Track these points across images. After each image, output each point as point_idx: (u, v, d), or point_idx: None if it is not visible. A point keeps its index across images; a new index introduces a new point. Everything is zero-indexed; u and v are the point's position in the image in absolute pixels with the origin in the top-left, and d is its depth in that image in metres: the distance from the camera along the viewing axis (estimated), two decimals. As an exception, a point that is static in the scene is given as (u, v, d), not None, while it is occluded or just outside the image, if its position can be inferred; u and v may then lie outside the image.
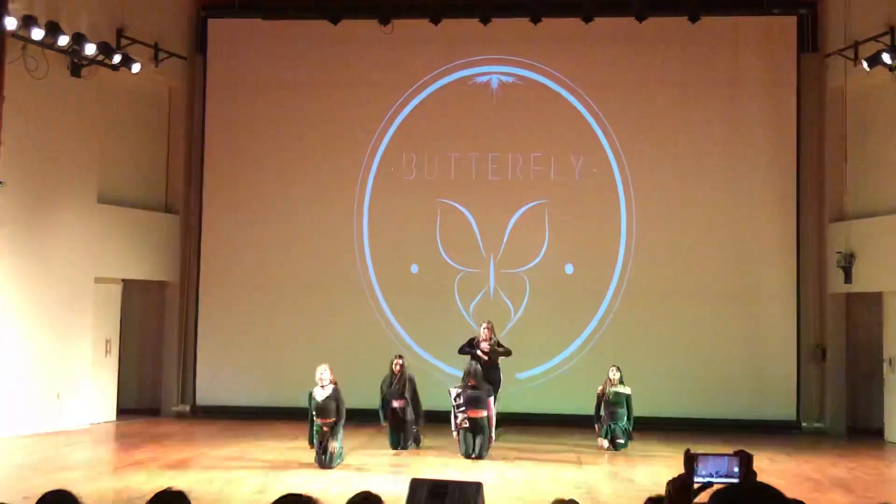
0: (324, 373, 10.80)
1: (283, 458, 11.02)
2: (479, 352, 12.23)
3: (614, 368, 12.31)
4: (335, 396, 10.76)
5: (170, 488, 3.76)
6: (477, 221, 14.91)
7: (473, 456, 11.22)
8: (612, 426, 12.05)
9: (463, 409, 11.40)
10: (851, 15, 13.94)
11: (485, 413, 11.44)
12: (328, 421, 10.65)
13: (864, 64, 13.08)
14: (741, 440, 11.64)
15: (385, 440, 11.93)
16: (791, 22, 14.68)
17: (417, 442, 12.03)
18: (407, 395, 11.85)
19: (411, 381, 12.00)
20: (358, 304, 14.89)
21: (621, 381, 12.25)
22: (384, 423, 11.91)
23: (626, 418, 12.12)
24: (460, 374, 12.16)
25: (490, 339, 12.37)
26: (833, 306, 14.33)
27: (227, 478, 9.82)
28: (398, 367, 11.97)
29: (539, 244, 14.80)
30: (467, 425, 11.34)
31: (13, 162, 12.56)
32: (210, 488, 9.30)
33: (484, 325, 12.55)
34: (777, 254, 14.50)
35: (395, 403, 11.85)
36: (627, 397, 12.17)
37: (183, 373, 15.15)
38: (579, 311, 14.61)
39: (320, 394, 10.77)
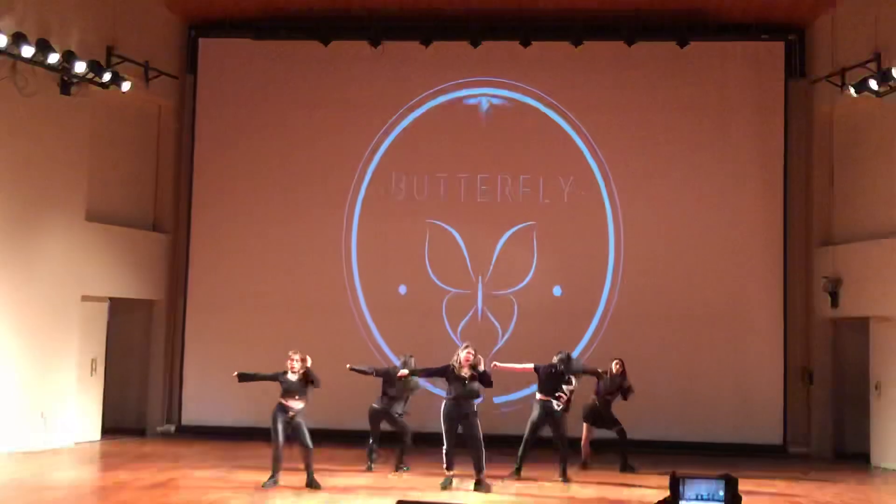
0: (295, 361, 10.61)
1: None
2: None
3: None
4: (308, 378, 10.56)
5: None
6: (465, 243, 14.94)
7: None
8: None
9: None
10: (838, 41, 14.08)
11: None
12: (297, 403, 10.46)
13: (851, 90, 13.18)
14: (727, 463, 11.67)
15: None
16: (779, 47, 14.82)
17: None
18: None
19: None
20: (346, 324, 14.88)
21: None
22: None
23: None
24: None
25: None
26: (820, 331, 14.38)
27: (211, 499, 9.75)
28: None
29: (527, 266, 14.84)
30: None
31: (1, 179, 12.53)
32: (194, 509, 9.24)
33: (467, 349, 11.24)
34: (764, 278, 14.57)
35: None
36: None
37: (169, 392, 15.09)
38: (567, 333, 14.59)
39: (293, 376, 10.62)
